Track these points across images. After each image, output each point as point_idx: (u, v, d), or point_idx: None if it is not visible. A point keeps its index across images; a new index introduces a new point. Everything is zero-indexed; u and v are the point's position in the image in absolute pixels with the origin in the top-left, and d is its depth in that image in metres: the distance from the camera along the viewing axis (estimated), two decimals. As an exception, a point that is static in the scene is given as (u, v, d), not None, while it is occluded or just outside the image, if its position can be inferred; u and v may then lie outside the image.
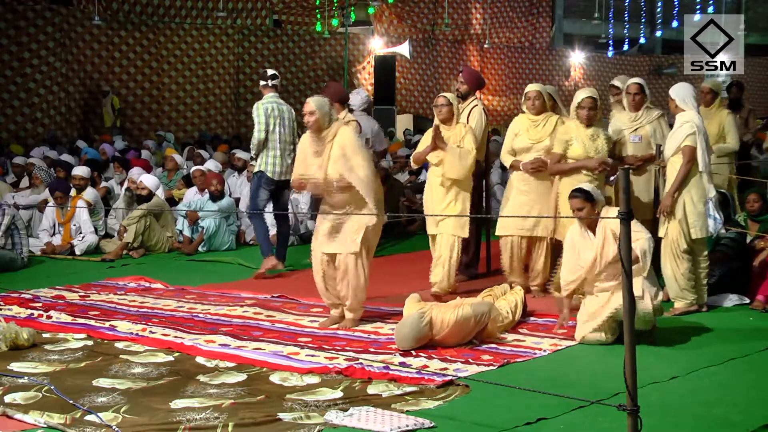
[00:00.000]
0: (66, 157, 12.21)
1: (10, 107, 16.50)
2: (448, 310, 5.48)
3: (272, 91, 8.48)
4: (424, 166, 11.61)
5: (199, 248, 9.55)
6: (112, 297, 7.22)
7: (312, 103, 5.92)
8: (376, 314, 6.48)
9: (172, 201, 10.56)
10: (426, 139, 7.18)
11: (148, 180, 9.71)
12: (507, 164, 7.22)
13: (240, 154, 12.48)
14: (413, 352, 5.37)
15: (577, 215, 5.75)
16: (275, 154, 8.38)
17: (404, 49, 21.41)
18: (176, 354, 5.44)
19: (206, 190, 10.15)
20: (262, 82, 8.54)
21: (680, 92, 6.44)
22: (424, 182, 11.60)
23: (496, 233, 7.17)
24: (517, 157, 7.08)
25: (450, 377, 4.80)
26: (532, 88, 7.15)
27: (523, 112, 7.18)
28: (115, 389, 4.68)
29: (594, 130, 6.69)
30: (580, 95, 6.76)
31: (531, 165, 6.95)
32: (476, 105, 7.55)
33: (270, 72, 8.63)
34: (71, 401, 4.42)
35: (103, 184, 10.86)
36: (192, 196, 10.23)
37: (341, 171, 5.84)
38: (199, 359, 5.30)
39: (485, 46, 24.11)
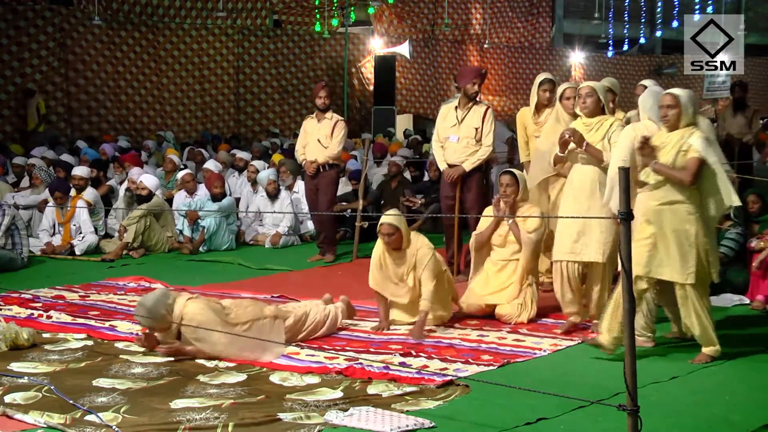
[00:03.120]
0: (66, 157, 12.21)
1: (8, 107, 16.49)
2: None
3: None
4: (426, 165, 11.69)
5: (200, 248, 9.55)
6: (112, 297, 7.22)
7: (141, 314, 5.38)
8: (376, 314, 6.47)
9: (172, 201, 10.56)
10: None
11: (148, 180, 9.71)
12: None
13: (241, 154, 12.49)
14: (413, 352, 5.38)
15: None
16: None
17: (404, 49, 21.40)
18: (176, 354, 5.44)
19: (195, 194, 10.17)
20: None
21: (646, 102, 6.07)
22: (425, 182, 11.68)
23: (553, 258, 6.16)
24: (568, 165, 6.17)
25: (450, 377, 4.80)
26: (583, 84, 6.17)
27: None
28: (115, 389, 4.68)
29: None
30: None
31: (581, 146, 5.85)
32: (487, 105, 7.80)
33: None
34: (71, 401, 4.42)
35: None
36: (182, 200, 10.21)
37: None
38: (199, 359, 5.30)
39: (485, 46, 24.11)
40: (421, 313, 5.85)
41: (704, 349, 5.29)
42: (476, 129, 7.63)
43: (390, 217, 6.05)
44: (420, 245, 6.04)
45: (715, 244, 5.45)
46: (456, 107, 7.79)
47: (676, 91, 5.31)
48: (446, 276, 6.25)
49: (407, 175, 12.48)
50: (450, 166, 7.75)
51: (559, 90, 6.88)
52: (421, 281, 5.93)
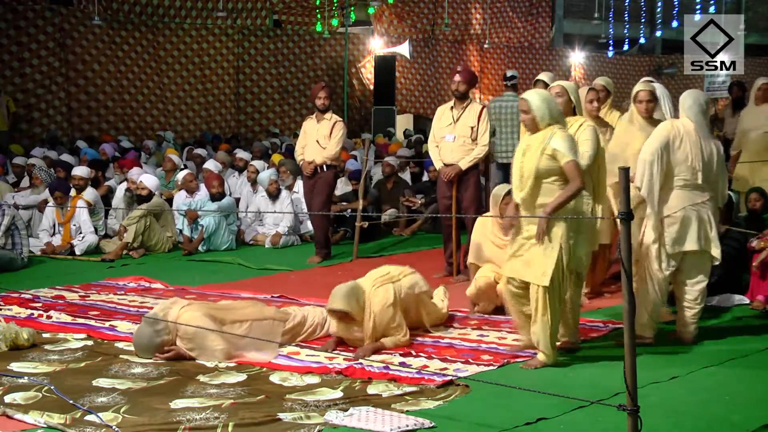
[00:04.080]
0: (66, 157, 12.21)
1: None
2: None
3: (509, 90, 9.66)
4: (426, 166, 11.69)
5: (199, 248, 9.54)
6: (112, 297, 7.22)
7: (143, 355, 5.36)
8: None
9: (172, 201, 10.56)
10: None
11: (148, 180, 9.71)
12: None
13: (241, 154, 12.48)
14: (413, 352, 5.38)
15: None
16: (496, 143, 9.26)
17: (404, 49, 21.40)
18: (176, 354, 5.44)
19: (196, 193, 10.18)
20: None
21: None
22: (425, 182, 11.69)
23: None
24: None
25: (450, 377, 4.81)
26: (555, 83, 6.19)
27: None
28: (115, 389, 4.68)
29: None
30: None
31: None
32: (483, 104, 7.88)
33: (508, 73, 9.97)
34: (71, 401, 4.43)
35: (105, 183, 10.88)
36: (183, 200, 10.20)
37: None
38: (199, 359, 5.31)
39: (485, 46, 24.09)
40: (379, 343, 5.46)
41: (540, 355, 5.13)
42: (472, 128, 7.66)
43: (339, 301, 5.37)
44: (376, 308, 5.46)
45: (585, 241, 5.17)
46: (451, 107, 7.83)
47: (527, 95, 5.20)
48: (425, 299, 6.04)
49: (406, 175, 12.51)
50: (446, 165, 7.76)
51: (633, 91, 6.40)
52: (384, 341, 5.51)
